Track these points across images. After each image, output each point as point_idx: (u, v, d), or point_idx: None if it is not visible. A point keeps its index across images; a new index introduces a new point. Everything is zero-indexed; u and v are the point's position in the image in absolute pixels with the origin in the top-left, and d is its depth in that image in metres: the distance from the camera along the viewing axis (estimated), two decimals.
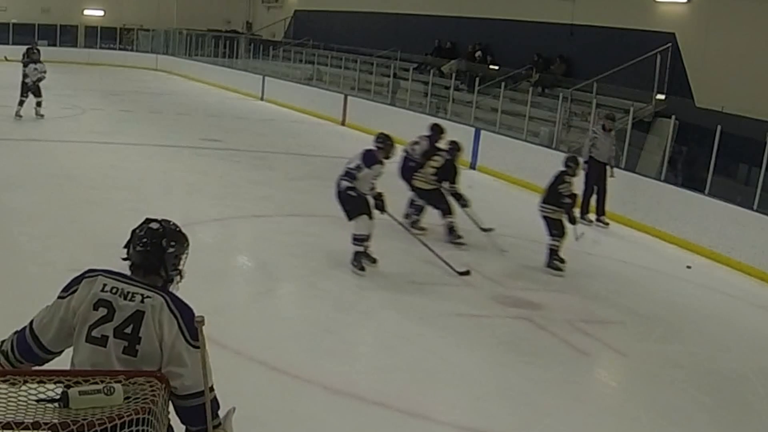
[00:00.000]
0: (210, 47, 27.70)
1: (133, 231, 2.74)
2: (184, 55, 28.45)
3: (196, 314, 2.57)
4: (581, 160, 9.03)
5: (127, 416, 2.29)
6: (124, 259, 2.73)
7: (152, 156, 12.43)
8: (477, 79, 15.43)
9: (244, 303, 6.62)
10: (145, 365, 2.53)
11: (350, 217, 7.32)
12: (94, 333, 2.56)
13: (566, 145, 13.24)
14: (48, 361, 2.68)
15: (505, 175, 13.01)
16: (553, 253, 8.04)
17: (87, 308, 2.58)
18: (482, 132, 14.00)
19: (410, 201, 9.17)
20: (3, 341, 2.72)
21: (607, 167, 10.47)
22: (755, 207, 9.22)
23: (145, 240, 2.69)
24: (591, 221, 10.35)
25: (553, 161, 12.53)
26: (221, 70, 25.69)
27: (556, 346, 6.24)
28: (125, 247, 2.74)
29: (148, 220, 2.77)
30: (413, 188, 9.01)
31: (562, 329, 6.54)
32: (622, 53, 13.79)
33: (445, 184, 8.78)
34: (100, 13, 30.30)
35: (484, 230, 8.93)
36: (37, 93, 14.62)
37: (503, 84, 15.10)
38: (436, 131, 9.25)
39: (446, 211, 8.80)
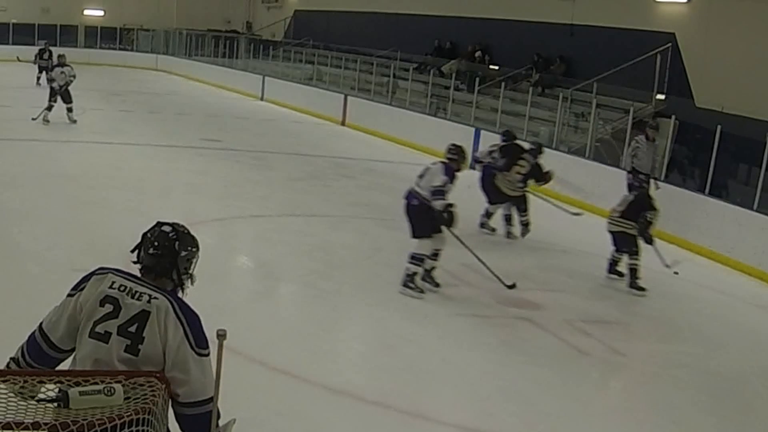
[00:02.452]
0: (210, 47, 27.68)
1: (144, 234, 2.74)
2: (184, 55, 28.44)
3: (219, 328, 2.52)
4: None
5: (127, 416, 2.30)
6: (135, 263, 2.73)
7: (152, 156, 12.43)
8: (477, 79, 15.43)
9: (244, 303, 6.61)
10: (146, 366, 2.53)
11: (418, 236, 6.99)
12: (97, 329, 2.56)
13: (566, 145, 13.24)
14: (60, 361, 2.67)
15: None
16: (635, 272, 7.78)
17: (93, 304, 2.59)
18: (482, 132, 13.99)
19: (486, 211, 9.47)
20: (11, 358, 2.69)
21: (650, 179, 10.11)
22: (755, 207, 9.21)
23: (157, 243, 2.69)
24: None
25: (553, 162, 12.59)
26: (221, 70, 25.67)
27: (556, 346, 6.24)
28: (134, 250, 2.74)
29: (159, 224, 2.76)
30: (496, 196, 9.27)
31: (562, 329, 6.54)
32: (622, 53, 13.77)
33: (530, 181, 9.29)
34: (100, 13, 30.28)
35: (574, 214, 9.75)
36: (67, 98, 14.26)
37: (503, 84, 15.10)
38: (510, 136, 9.66)
39: (524, 210, 9.32)
